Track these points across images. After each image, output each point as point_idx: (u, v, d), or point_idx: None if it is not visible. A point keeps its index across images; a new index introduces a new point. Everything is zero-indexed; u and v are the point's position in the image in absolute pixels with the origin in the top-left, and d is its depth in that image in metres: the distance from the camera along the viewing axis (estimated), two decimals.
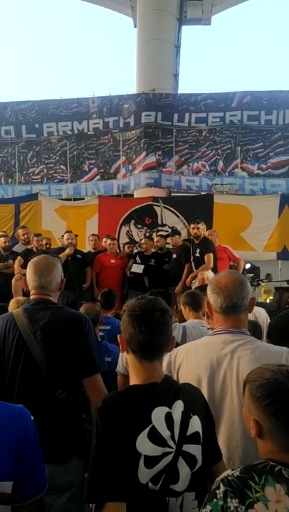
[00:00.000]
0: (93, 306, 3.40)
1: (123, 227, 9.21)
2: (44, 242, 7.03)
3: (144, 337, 1.39)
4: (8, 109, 11.33)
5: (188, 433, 1.36)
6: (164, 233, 8.15)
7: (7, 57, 47.29)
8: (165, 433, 1.32)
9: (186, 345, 1.86)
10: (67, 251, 6.64)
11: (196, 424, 1.38)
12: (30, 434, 1.29)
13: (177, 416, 1.35)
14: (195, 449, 1.36)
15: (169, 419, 1.34)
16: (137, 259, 7.11)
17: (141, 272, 6.80)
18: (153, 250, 7.35)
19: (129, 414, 1.32)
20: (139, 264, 7.00)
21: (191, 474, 1.33)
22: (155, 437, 1.31)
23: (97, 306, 3.43)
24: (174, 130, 10.58)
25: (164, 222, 8.99)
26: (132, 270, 6.89)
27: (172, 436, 1.33)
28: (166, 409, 1.35)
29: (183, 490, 1.32)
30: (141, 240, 7.92)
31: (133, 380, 1.44)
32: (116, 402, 1.36)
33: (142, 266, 6.89)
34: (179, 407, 1.37)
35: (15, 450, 1.24)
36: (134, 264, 6.96)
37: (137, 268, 6.89)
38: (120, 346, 1.48)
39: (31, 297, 2.11)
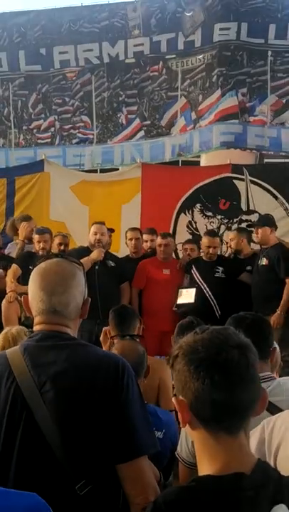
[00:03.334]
0: (134, 344, 3.42)
1: (182, 215, 9.20)
2: (57, 242, 7.18)
3: (221, 393, 1.39)
4: None
5: None
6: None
7: None
8: None
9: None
10: (94, 254, 6.76)
11: None
12: None
13: None
14: None
15: None
16: (194, 271, 7.09)
17: (192, 300, 6.82)
18: (224, 254, 7.34)
19: None
20: (187, 288, 7.00)
21: None
22: None
23: (139, 345, 3.44)
24: (270, 52, 10.47)
25: (252, 208, 8.89)
26: (178, 302, 6.93)
27: None
28: None
29: None
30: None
31: (204, 469, 1.44)
32: (176, 507, 1.36)
33: (193, 290, 6.90)
34: None
35: None
36: (180, 290, 6.98)
37: (186, 296, 6.91)
38: (179, 416, 1.48)
39: (36, 328, 2.14)
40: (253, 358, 1.44)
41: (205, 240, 7.27)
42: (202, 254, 7.31)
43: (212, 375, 1.38)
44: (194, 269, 7.13)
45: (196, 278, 7.06)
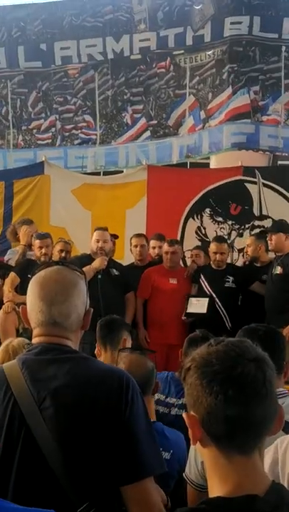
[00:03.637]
0: (142, 359, 3.43)
1: (191, 220, 9.23)
2: (58, 249, 7.22)
3: (235, 409, 1.38)
4: None
5: None
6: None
7: None
8: None
9: None
10: (96, 263, 6.78)
11: None
12: None
13: None
14: None
15: None
16: (202, 280, 7.09)
17: (204, 311, 6.82)
18: (235, 262, 7.31)
19: None
20: (198, 297, 7.02)
21: None
22: None
23: (148, 361, 3.44)
24: (284, 47, 10.46)
25: (265, 213, 8.88)
26: (187, 311, 6.92)
27: None
28: None
29: None
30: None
31: (214, 490, 1.43)
32: None
33: (206, 300, 6.89)
34: None
35: None
36: (190, 299, 6.96)
37: (197, 306, 6.91)
38: (190, 433, 1.47)
39: (34, 340, 2.14)
40: (270, 372, 1.43)
41: (212, 246, 7.29)
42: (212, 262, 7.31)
43: (226, 389, 1.37)
44: (203, 277, 7.12)
45: (205, 287, 7.05)
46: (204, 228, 9.18)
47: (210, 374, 1.40)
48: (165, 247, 7.30)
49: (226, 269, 7.16)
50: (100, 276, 6.72)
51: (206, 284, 7.06)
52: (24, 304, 2.22)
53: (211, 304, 6.87)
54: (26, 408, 1.96)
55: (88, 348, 6.07)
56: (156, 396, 3.93)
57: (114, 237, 7.49)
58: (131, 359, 3.37)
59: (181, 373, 1.53)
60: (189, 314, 6.91)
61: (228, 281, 7.05)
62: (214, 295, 6.97)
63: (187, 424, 1.46)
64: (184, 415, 1.48)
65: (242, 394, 1.37)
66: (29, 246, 7.42)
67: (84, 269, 5.74)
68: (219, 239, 7.52)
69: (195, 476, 2.80)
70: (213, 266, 7.20)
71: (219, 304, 6.94)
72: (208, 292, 7.01)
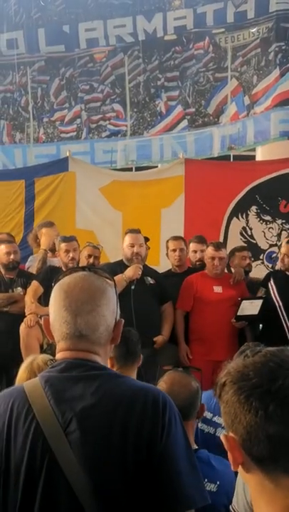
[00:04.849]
0: (187, 378, 3.41)
1: (235, 220, 9.21)
2: (86, 254, 7.21)
3: (278, 426, 1.36)
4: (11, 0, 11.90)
5: None
6: None
7: None
8: None
9: None
10: (129, 271, 6.72)
11: None
12: None
13: None
14: None
15: None
16: (271, 284, 7.04)
17: (256, 312, 6.81)
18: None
19: None
20: (252, 299, 7.00)
21: None
22: None
23: (193, 380, 3.43)
24: None
25: None
26: (238, 313, 6.88)
27: None
28: None
29: None
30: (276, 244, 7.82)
31: None
32: None
33: (260, 302, 6.88)
34: None
35: None
36: (243, 302, 6.90)
37: (250, 307, 6.89)
38: (229, 456, 1.46)
39: (58, 355, 2.14)
40: None
41: (281, 248, 7.22)
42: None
43: (266, 405, 1.36)
44: (272, 281, 7.03)
45: (273, 293, 6.94)
46: (250, 229, 9.15)
47: (247, 389, 1.40)
48: (210, 251, 7.16)
49: None
50: (133, 287, 6.66)
51: (275, 289, 6.94)
52: (48, 315, 2.21)
53: (274, 313, 6.78)
54: (50, 432, 1.95)
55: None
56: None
57: (145, 239, 7.44)
58: (173, 378, 3.36)
59: (216, 390, 1.51)
60: (239, 317, 6.83)
61: None
62: (280, 303, 6.84)
63: (226, 447, 1.45)
64: (222, 437, 1.47)
65: (284, 409, 1.36)
66: (51, 251, 7.43)
67: (115, 278, 5.76)
68: None
69: (244, 508, 2.77)
70: (286, 271, 7.10)
71: (284, 314, 6.81)
72: (274, 299, 6.89)
